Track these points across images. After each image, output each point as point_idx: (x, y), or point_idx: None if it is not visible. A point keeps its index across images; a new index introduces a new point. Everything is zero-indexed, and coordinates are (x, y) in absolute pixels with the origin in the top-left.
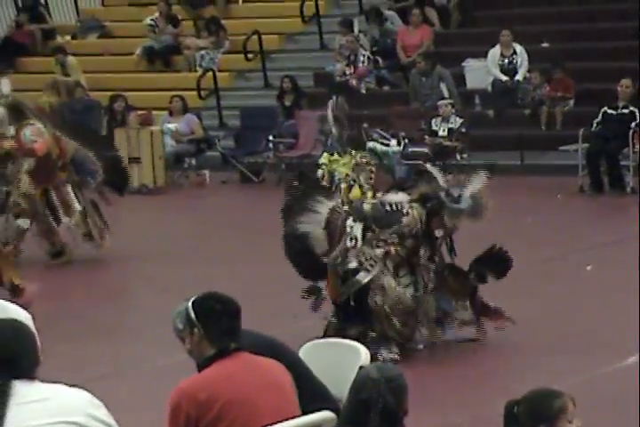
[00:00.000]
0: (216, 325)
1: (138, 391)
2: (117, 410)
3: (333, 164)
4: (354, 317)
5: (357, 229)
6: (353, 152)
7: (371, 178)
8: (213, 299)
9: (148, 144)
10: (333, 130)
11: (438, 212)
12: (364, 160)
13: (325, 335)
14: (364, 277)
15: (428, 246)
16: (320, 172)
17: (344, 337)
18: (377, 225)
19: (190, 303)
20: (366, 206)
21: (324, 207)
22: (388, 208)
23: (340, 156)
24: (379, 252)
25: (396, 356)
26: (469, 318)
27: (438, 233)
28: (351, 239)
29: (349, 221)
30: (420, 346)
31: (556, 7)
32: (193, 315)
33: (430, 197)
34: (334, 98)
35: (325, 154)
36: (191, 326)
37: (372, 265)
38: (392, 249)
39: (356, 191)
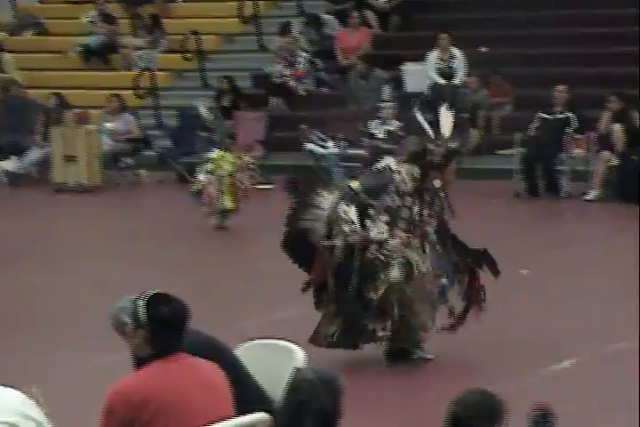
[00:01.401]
0: (163, 330)
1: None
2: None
3: (220, 160)
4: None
5: (352, 212)
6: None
7: (251, 177)
8: (166, 303)
9: (84, 143)
10: (217, 128)
11: (432, 165)
12: (247, 161)
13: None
14: (396, 273)
15: (426, 204)
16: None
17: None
18: (372, 195)
19: (143, 303)
20: (354, 184)
21: (326, 202)
22: (378, 171)
23: (227, 153)
24: (394, 242)
25: (388, 333)
26: (458, 307)
27: (437, 184)
28: (347, 223)
29: (342, 206)
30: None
31: (495, 12)
32: (143, 317)
33: (420, 153)
34: (201, 103)
35: (217, 150)
36: (137, 326)
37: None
38: (403, 235)
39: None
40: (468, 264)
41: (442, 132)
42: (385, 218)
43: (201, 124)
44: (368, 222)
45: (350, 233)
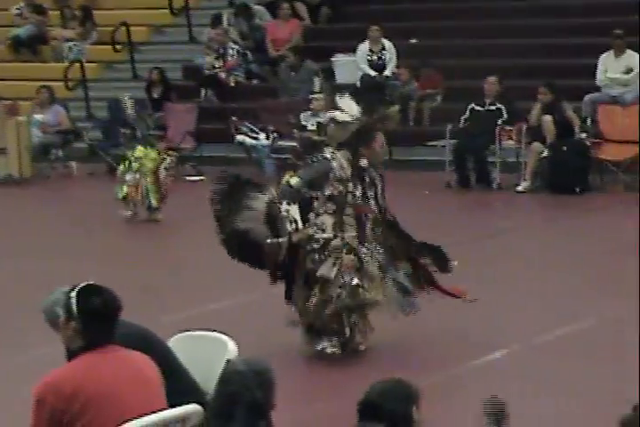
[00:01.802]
0: (95, 322)
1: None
2: None
3: (144, 158)
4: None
5: (294, 211)
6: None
7: (171, 175)
8: (97, 295)
9: (14, 134)
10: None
11: (357, 143)
12: (171, 158)
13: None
14: (328, 272)
15: (367, 185)
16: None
17: None
18: (314, 187)
19: (74, 295)
20: (293, 181)
21: (259, 202)
22: (313, 162)
23: (150, 150)
24: (336, 243)
25: (338, 351)
26: (410, 287)
27: (362, 163)
28: (291, 222)
29: (283, 206)
30: (362, 347)
31: (425, 4)
32: (75, 308)
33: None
34: (126, 97)
35: (140, 147)
36: (69, 318)
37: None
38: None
39: (287, 178)
40: (408, 251)
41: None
42: (331, 207)
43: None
44: (312, 216)
45: (293, 232)
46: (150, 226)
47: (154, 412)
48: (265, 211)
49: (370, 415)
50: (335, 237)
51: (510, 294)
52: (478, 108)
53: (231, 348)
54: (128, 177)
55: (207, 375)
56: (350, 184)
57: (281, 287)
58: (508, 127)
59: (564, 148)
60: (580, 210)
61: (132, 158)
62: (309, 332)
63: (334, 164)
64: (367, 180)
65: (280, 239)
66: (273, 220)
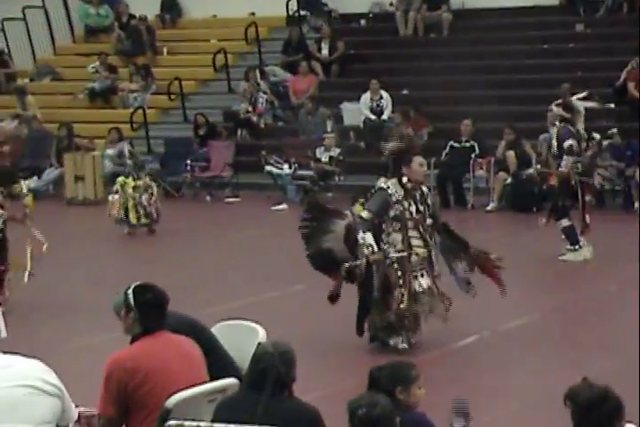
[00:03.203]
0: (149, 312)
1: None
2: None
3: (125, 186)
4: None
5: (368, 237)
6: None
7: (151, 198)
8: (149, 291)
9: (90, 165)
10: (129, 162)
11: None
12: (148, 184)
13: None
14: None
15: (412, 201)
16: None
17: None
18: (381, 214)
19: (131, 292)
20: (364, 214)
21: (338, 226)
22: (373, 194)
23: (133, 180)
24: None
25: (407, 346)
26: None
27: (408, 183)
28: (367, 247)
29: (360, 235)
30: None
31: (413, 63)
32: (132, 302)
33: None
34: (127, 141)
35: (121, 178)
36: (128, 310)
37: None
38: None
39: (358, 207)
40: (464, 248)
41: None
42: (397, 225)
43: (185, 151)
44: (384, 237)
45: (370, 254)
46: (193, 237)
47: (197, 384)
48: (344, 233)
49: (371, 385)
50: (409, 254)
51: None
52: (456, 144)
53: (261, 334)
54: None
55: (242, 355)
56: (405, 202)
57: (295, 288)
58: (479, 160)
59: (524, 176)
60: (536, 225)
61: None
62: (384, 330)
63: (389, 190)
64: (417, 196)
65: (357, 262)
66: (351, 241)
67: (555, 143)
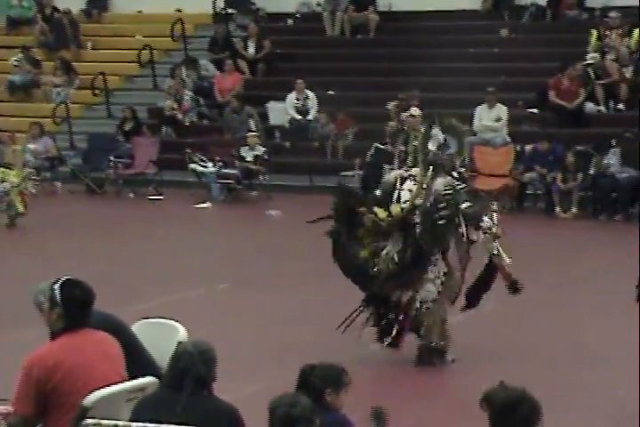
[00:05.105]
0: (74, 309)
1: None
2: None
3: (6, 175)
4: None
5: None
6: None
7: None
8: (77, 288)
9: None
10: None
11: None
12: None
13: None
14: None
15: None
16: None
17: None
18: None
19: (58, 287)
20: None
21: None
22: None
23: (10, 169)
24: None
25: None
26: None
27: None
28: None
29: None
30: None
31: (339, 63)
32: (58, 297)
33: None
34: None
35: (1, 168)
36: (53, 306)
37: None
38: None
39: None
40: None
41: None
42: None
43: (108, 148)
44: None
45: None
46: (113, 232)
47: (117, 382)
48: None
49: (301, 382)
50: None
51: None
52: (380, 146)
53: (182, 332)
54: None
55: (162, 354)
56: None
57: (218, 287)
58: None
59: None
60: None
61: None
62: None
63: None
64: None
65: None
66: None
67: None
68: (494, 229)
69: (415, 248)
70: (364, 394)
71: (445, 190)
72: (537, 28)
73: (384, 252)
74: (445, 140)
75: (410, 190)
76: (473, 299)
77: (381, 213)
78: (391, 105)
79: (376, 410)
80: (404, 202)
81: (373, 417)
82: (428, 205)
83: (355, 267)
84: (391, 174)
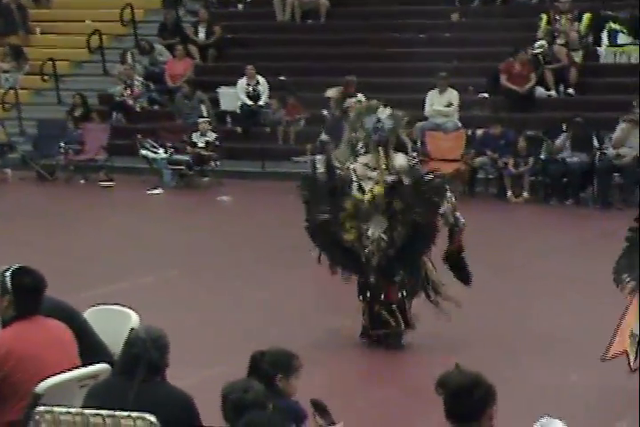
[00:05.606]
0: (25, 296)
1: None
2: None
3: None
4: None
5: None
6: None
7: None
8: (28, 275)
9: None
10: None
11: None
12: None
13: None
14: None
15: None
16: None
17: None
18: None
19: (9, 274)
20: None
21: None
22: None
23: None
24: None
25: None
26: None
27: None
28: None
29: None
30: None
31: (290, 48)
32: (9, 285)
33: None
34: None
35: None
36: (4, 293)
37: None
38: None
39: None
40: None
41: None
42: None
43: (58, 134)
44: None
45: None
46: (63, 219)
47: (70, 369)
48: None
49: (252, 368)
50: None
51: None
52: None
53: (134, 319)
54: None
55: (115, 341)
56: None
57: (169, 273)
58: None
59: None
60: None
61: None
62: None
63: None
64: None
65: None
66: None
67: None
68: (453, 199)
69: (409, 227)
70: (320, 378)
71: (410, 164)
72: (487, 12)
73: (369, 233)
74: (379, 120)
75: (370, 178)
76: (463, 275)
77: (361, 196)
78: (331, 92)
79: (315, 402)
80: (376, 183)
81: (314, 409)
82: (412, 178)
83: (343, 251)
84: (344, 168)
